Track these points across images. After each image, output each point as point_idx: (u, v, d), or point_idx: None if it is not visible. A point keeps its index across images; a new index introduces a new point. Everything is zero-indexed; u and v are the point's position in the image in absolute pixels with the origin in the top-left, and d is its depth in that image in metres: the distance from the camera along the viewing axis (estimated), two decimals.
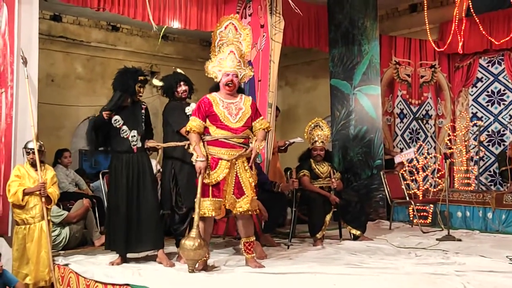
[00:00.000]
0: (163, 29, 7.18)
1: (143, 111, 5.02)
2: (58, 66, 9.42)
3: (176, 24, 7.11)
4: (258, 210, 4.76)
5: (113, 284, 4.26)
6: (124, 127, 4.83)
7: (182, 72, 5.45)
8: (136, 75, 4.89)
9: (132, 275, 4.32)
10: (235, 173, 4.51)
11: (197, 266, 4.37)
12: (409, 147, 8.52)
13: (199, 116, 4.50)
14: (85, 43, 9.68)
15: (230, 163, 4.45)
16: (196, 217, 4.34)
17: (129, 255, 4.91)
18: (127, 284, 4.12)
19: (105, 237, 5.08)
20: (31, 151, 5.05)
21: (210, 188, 4.43)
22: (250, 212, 4.57)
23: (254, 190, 4.57)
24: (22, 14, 5.35)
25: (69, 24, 9.50)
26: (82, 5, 6.36)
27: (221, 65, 4.58)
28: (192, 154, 4.45)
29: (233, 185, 4.50)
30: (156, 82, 5.58)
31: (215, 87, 4.71)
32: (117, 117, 4.83)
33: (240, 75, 4.63)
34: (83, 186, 7.38)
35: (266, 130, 4.70)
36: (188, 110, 5.11)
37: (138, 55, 10.16)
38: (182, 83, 5.27)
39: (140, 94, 4.94)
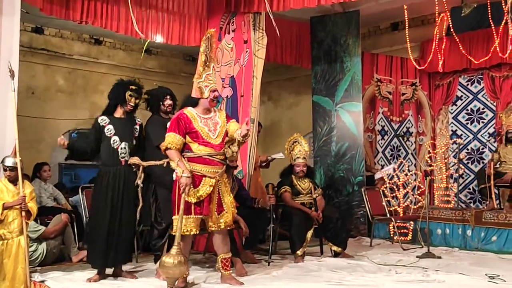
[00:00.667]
0: (146, 43, 7.17)
1: (136, 126, 5.01)
2: (38, 79, 9.32)
3: (158, 39, 7.11)
4: (233, 225, 4.73)
5: None
6: (115, 138, 4.82)
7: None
8: (128, 84, 4.94)
9: None
10: (217, 190, 4.50)
11: (176, 283, 4.31)
12: (390, 164, 8.58)
13: (179, 132, 4.44)
14: (67, 56, 9.61)
15: (214, 180, 4.44)
16: (177, 233, 4.29)
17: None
18: None
19: (87, 251, 4.99)
20: (8, 168, 4.95)
21: (193, 205, 4.39)
22: (228, 227, 4.55)
23: (234, 205, 4.57)
24: (3, 25, 5.29)
25: (51, 36, 9.43)
26: (65, 18, 6.34)
27: (208, 81, 4.55)
28: (173, 170, 4.41)
29: (216, 202, 4.49)
30: None
31: (189, 102, 4.64)
32: (110, 126, 4.83)
33: None
34: (61, 200, 7.26)
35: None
36: None
37: (121, 69, 10.10)
38: (168, 96, 5.28)
39: (131, 104, 4.91)
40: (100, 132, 4.85)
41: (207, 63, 4.59)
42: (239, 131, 4.55)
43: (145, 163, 4.85)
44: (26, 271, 4.77)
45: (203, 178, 4.42)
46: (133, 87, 4.93)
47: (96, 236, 4.76)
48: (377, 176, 8.11)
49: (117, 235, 4.76)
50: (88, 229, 5.00)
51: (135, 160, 4.84)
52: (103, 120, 4.88)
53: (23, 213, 4.84)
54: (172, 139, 4.42)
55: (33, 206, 4.95)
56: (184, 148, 4.48)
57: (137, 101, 4.97)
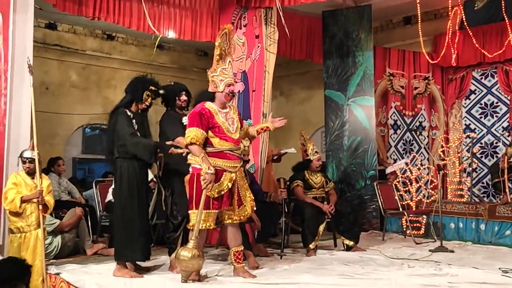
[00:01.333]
0: (159, 38, 7.21)
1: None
2: (52, 74, 9.41)
3: (171, 34, 7.14)
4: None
5: None
6: (137, 133, 4.81)
7: None
8: (147, 83, 4.92)
9: (124, 285, 4.30)
10: (236, 184, 4.54)
11: (190, 276, 4.35)
12: (403, 158, 8.56)
13: (202, 127, 4.40)
14: (80, 52, 9.68)
15: (234, 175, 4.48)
16: (196, 228, 4.30)
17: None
18: None
19: (119, 246, 4.73)
20: (27, 160, 5.03)
21: (211, 200, 4.41)
22: (239, 221, 4.59)
23: (252, 198, 4.62)
24: (17, 22, 5.36)
25: (64, 32, 9.51)
26: (78, 14, 6.39)
27: (223, 75, 4.56)
28: (189, 164, 4.45)
29: (236, 196, 4.53)
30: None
31: (206, 97, 4.65)
32: (133, 121, 4.83)
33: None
34: (76, 194, 7.35)
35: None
36: (185, 120, 5.08)
37: (133, 64, 10.16)
38: (184, 92, 5.29)
39: (146, 103, 4.91)
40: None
41: (223, 57, 4.59)
42: (255, 127, 4.76)
43: (178, 151, 4.71)
44: (43, 264, 4.85)
45: (224, 173, 4.44)
46: (152, 88, 4.91)
47: (130, 230, 4.66)
48: (389, 170, 8.09)
49: (145, 228, 4.82)
50: (116, 223, 4.81)
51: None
52: (130, 115, 4.83)
53: (40, 207, 4.91)
54: (195, 133, 4.37)
55: (50, 200, 5.03)
56: (206, 143, 4.47)
57: (152, 101, 4.98)
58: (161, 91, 5.19)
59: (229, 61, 4.62)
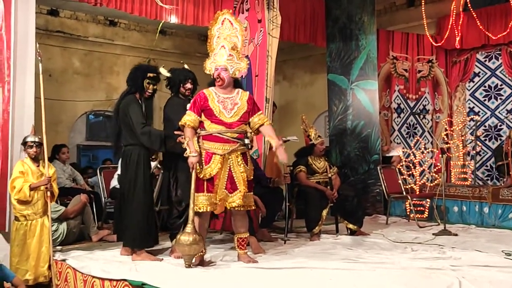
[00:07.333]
0: (161, 23, 7.19)
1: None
2: (55, 61, 9.40)
3: (173, 19, 7.12)
4: (254, 206, 4.74)
5: (110, 280, 4.26)
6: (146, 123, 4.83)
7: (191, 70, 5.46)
8: (146, 72, 4.89)
9: (129, 270, 4.32)
10: (228, 167, 4.48)
11: (193, 261, 4.38)
12: (406, 142, 8.56)
13: (195, 110, 4.50)
14: (83, 38, 9.67)
15: (223, 158, 4.46)
16: (191, 212, 4.35)
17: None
18: (124, 280, 4.12)
19: (137, 233, 4.72)
20: (34, 144, 5.02)
21: (205, 183, 4.44)
22: (244, 208, 4.54)
23: (247, 185, 4.52)
24: (19, 8, 5.33)
25: (66, 18, 9.48)
26: None
27: (214, 61, 4.64)
28: (185, 149, 4.46)
29: (225, 180, 4.47)
30: (164, 71, 5.37)
31: (213, 82, 4.72)
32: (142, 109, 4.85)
33: (231, 68, 4.61)
34: (80, 181, 7.38)
35: (266, 125, 4.70)
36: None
37: (136, 50, 10.15)
38: (190, 81, 5.27)
39: (149, 91, 4.89)
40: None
41: (216, 43, 4.69)
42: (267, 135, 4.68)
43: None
44: (50, 251, 4.89)
45: (213, 156, 4.44)
46: (151, 75, 4.88)
47: (145, 217, 4.73)
48: (392, 153, 8.07)
49: (154, 214, 4.95)
50: (130, 211, 4.75)
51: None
52: (140, 102, 4.84)
53: (48, 193, 4.91)
54: (187, 117, 4.50)
55: (55, 187, 5.04)
56: (200, 126, 4.53)
57: (155, 87, 4.94)
58: (168, 74, 5.17)
59: (222, 46, 4.65)
